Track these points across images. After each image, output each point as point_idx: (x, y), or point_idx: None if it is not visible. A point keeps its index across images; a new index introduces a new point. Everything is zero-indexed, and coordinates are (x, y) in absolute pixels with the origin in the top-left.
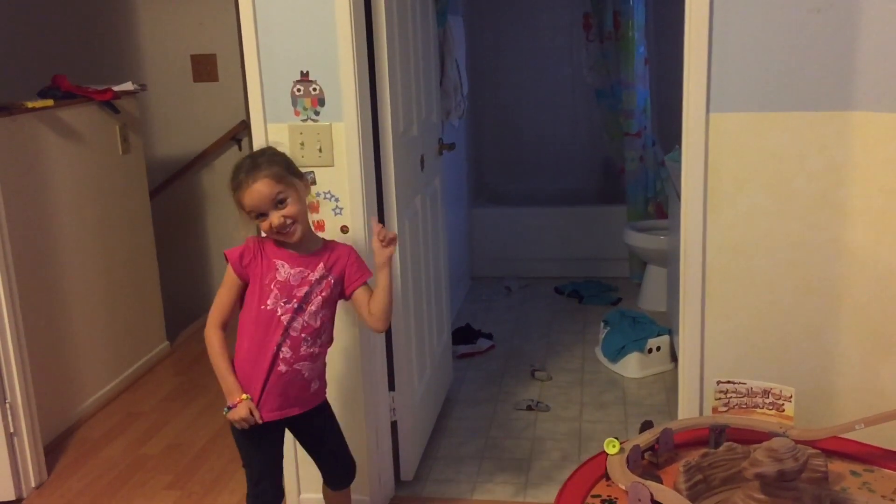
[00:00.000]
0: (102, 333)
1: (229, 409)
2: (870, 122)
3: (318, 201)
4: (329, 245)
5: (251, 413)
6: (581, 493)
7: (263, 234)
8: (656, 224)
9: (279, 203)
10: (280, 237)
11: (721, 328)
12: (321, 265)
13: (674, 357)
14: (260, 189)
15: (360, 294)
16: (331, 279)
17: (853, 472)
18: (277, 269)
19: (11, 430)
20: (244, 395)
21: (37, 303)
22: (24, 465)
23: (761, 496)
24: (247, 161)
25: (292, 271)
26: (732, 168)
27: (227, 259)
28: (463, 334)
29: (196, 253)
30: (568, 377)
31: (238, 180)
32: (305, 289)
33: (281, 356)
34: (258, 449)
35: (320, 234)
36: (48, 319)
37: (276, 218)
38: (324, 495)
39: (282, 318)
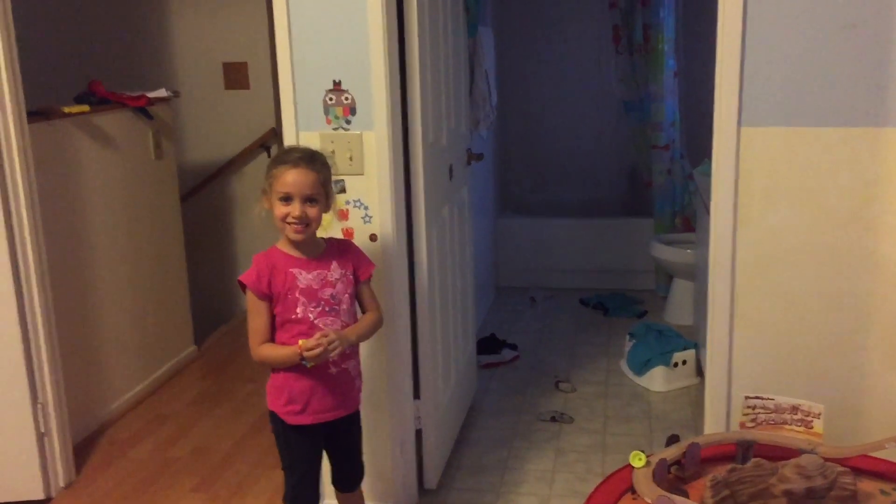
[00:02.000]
0: (132, 336)
1: (306, 360)
2: None
3: (347, 209)
4: (331, 244)
5: (308, 349)
6: None
7: (276, 217)
8: (683, 237)
9: (309, 200)
10: (288, 228)
11: (749, 343)
12: (334, 264)
13: (700, 371)
14: (305, 178)
15: (364, 289)
16: (349, 275)
17: (883, 492)
18: (297, 278)
19: (42, 430)
20: (297, 347)
21: (69, 305)
22: (53, 465)
23: None
24: (306, 150)
25: (310, 276)
26: (762, 182)
27: (243, 286)
28: (487, 344)
29: (224, 258)
30: (592, 389)
31: (290, 158)
32: (329, 290)
33: (329, 359)
34: (302, 452)
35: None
36: (79, 321)
37: (298, 209)
38: (336, 499)
39: (315, 322)
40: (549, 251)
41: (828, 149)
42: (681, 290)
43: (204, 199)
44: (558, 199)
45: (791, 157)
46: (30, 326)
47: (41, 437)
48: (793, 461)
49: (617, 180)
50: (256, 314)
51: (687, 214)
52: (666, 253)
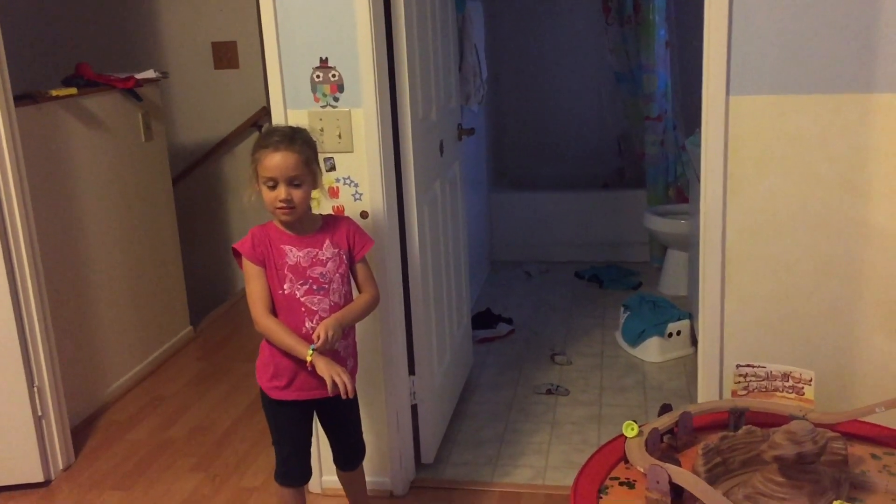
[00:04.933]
0: (127, 318)
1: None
2: (892, 104)
3: (337, 187)
4: (328, 221)
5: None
6: (600, 476)
7: (265, 202)
8: (677, 208)
9: (293, 182)
10: (276, 211)
11: (741, 312)
12: (327, 242)
13: (694, 341)
14: (286, 161)
15: (359, 268)
16: (342, 254)
17: (873, 456)
18: (286, 255)
19: (39, 414)
20: (308, 356)
21: (62, 288)
22: (51, 448)
23: (780, 479)
24: (286, 130)
25: (300, 253)
26: (753, 151)
27: (237, 253)
28: (483, 319)
29: (218, 238)
30: (588, 361)
31: (270, 142)
32: (319, 269)
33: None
34: (288, 427)
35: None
36: (74, 305)
37: (283, 192)
38: (338, 477)
39: (302, 299)
40: (543, 225)
41: (817, 116)
42: (675, 260)
43: (196, 180)
44: (552, 173)
45: (780, 125)
46: (23, 311)
47: (38, 421)
48: (783, 427)
49: (610, 152)
50: (254, 280)
51: (680, 185)
52: (659, 224)
